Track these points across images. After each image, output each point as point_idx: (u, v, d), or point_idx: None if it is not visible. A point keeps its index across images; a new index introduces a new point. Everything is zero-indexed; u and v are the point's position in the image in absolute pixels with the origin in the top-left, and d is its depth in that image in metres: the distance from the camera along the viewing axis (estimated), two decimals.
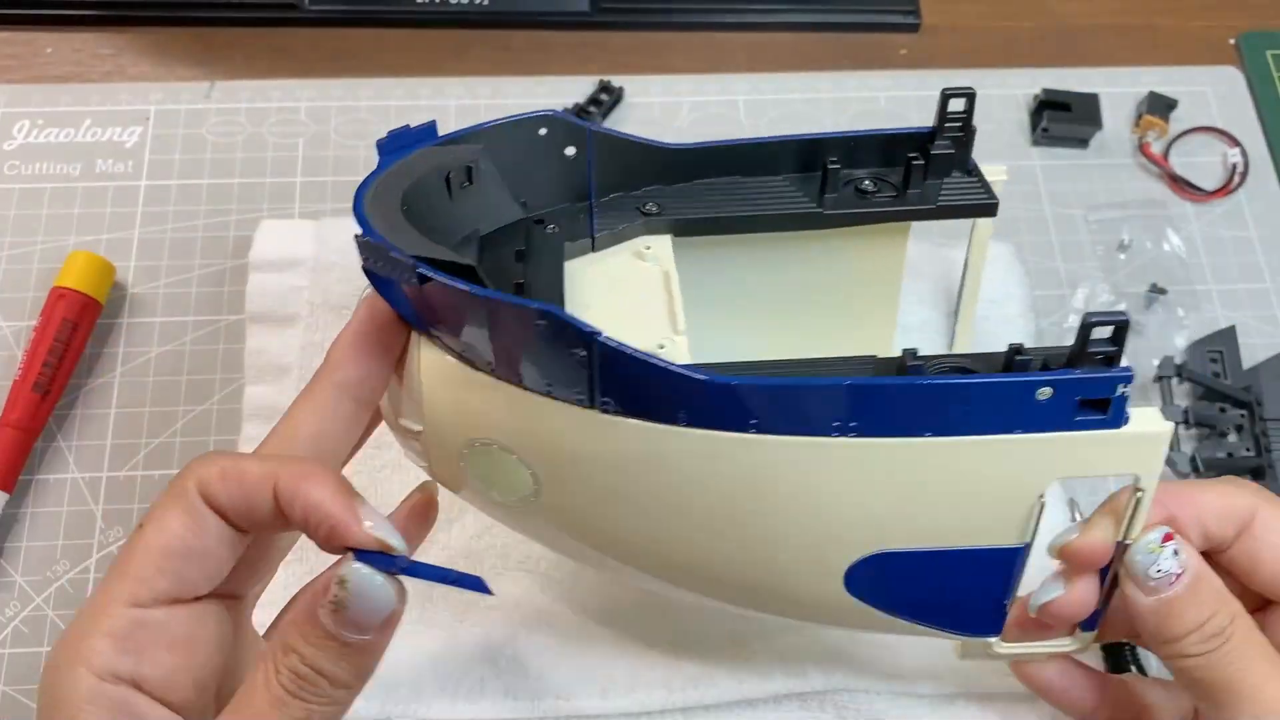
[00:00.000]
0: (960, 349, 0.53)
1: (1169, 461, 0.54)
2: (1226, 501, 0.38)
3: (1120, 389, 0.33)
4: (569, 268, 0.43)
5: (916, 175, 0.44)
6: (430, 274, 0.34)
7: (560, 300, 0.39)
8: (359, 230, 0.35)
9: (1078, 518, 0.52)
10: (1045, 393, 0.33)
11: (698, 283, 0.47)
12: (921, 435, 0.34)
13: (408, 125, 0.42)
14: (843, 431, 0.34)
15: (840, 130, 0.45)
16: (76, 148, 0.61)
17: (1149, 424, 0.35)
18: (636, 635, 0.47)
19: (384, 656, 0.43)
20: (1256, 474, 0.55)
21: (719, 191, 0.45)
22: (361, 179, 0.39)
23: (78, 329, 0.54)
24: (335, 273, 0.55)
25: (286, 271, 0.55)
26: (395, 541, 0.34)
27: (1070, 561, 0.39)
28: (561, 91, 0.65)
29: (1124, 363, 0.34)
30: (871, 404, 0.34)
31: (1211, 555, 0.39)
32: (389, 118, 0.63)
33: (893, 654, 0.47)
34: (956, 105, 0.43)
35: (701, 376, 0.34)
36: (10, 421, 0.52)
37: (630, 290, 0.42)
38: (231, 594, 0.37)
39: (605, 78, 0.65)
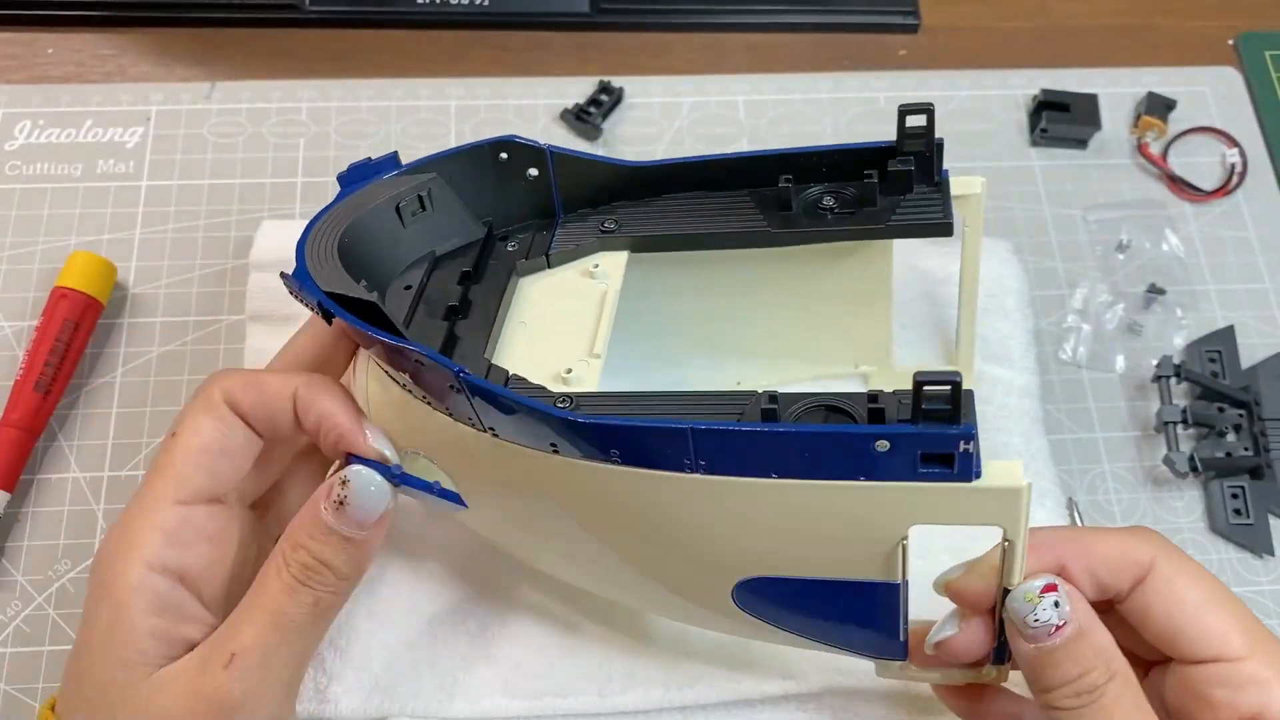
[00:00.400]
0: (963, 348, 0.53)
1: (1167, 462, 0.54)
2: (1122, 551, 0.37)
3: (963, 445, 0.32)
4: (522, 284, 0.45)
5: (873, 192, 0.43)
6: (334, 310, 0.38)
7: (494, 318, 0.42)
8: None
9: (1076, 517, 0.53)
10: (883, 445, 0.33)
11: (663, 295, 0.48)
12: (767, 476, 0.35)
13: (369, 158, 0.45)
14: (693, 469, 0.35)
15: (800, 146, 0.45)
16: (78, 148, 0.62)
17: (1004, 478, 0.33)
18: (635, 633, 0.47)
19: (381, 655, 0.46)
20: (1255, 473, 0.55)
21: (681, 208, 0.46)
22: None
23: (79, 329, 0.54)
24: None
25: None
26: (391, 454, 0.38)
27: (956, 601, 0.39)
28: (561, 92, 0.65)
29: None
30: (715, 446, 0.35)
31: (1110, 605, 0.38)
32: (389, 118, 0.64)
33: None
34: (915, 120, 0.42)
35: (558, 413, 0.36)
36: (12, 421, 0.52)
37: (567, 309, 0.43)
38: (242, 501, 0.42)
39: (605, 78, 0.65)
